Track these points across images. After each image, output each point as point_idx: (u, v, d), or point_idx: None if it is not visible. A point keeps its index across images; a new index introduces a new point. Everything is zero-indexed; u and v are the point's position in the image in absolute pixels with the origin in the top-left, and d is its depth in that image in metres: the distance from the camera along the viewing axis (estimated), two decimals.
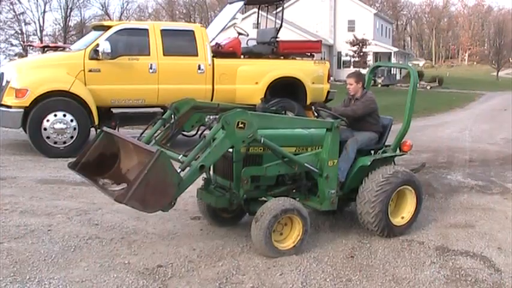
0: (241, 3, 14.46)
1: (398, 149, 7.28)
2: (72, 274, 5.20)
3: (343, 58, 58.44)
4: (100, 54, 11.32)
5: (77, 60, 11.53)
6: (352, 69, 52.43)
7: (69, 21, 64.06)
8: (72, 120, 11.22)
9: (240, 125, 5.79)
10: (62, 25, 64.25)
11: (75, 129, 11.25)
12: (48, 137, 11.10)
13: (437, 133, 18.25)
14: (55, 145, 11.16)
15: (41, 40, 58.85)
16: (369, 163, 6.80)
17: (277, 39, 13.68)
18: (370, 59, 55.41)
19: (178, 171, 5.47)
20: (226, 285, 5.20)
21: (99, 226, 6.59)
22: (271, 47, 13.53)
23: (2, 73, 12.02)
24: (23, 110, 11.03)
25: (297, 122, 6.91)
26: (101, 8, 65.89)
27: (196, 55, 12.23)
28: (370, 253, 6.19)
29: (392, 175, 6.64)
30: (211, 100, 12.32)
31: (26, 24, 65.30)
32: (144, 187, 5.18)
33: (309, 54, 14.12)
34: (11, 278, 5.04)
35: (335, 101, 14.17)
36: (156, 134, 6.52)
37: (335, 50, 59.13)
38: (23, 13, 64.35)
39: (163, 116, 6.72)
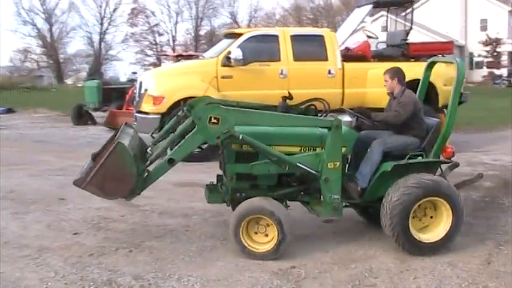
0: (370, 6, 14.35)
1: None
2: (209, 272, 5.39)
3: (475, 59, 56.32)
4: (232, 61, 11.65)
5: (210, 68, 11.92)
6: (485, 70, 50.36)
7: (199, 30, 66.21)
8: None
9: (213, 121, 5.71)
10: (193, 34, 66.39)
11: None
12: None
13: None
14: None
15: (173, 50, 61.19)
16: (390, 169, 6.03)
17: (407, 41, 13.45)
18: (505, 59, 53.05)
19: (147, 163, 5.82)
20: (359, 287, 5.19)
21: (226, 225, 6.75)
22: (401, 50, 13.32)
23: (141, 82, 12.66)
24: (160, 116, 11.53)
25: (285, 119, 6.20)
26: (230, 16, 67.41)
27: (326, 59, 12.25)
28: (509, 260, 5.88)
29: (413, 184, 5.86)
30: (342, 105, 12.30)
31: (159, 35, 68.36)
32: (102, 174, 5.57)
33: (440, 55, 13.74)
34: (153, 274, 5.31)
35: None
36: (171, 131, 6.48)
37: (466, 50, 57.12)
38: (156, 25, 67.45)
39: (178, 113, 6.61)
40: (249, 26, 59.89)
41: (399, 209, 5.80)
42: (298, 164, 5.94)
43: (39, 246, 6.02)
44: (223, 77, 11.83)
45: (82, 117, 19.67)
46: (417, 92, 6.93)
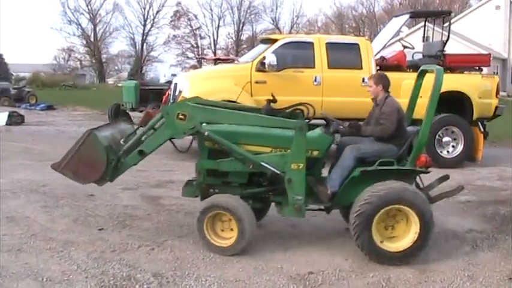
0: (407, 16, 14.30)
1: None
2: (227, 274, 5.46)
3: None
4: (266, 66, 11.73)
5: (244, 72, 12.02)
6: None
7: (241, 35, 66.54)
8: None
9: (181, 117, 6.08)
10: (235, 39, 66.72)
11: None
12: None
13: None
14: None
15: (214, 53, 61.55)
16: (357, 174, 6.05)
17: (443, 52, 13.35)
18: None
19: (120, 152, 6.22)
20: None
21: (260, 229, 6.78)
22: (437, 61, 13.19)
23: (176, 84, 12.81)
24: None
25: (251, 119, 6.42)
26: (272, 22, 67.57)
27: (361, 68, 12.24)
28: None
29: (375, 192, 5.81)
30: None
31: (201, 38, 68.95)
32: (76, 160, 6.24)
33: (477, 67, 13.62)
34: (172, 272, 5.41)
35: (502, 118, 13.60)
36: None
37: (509, 63, 56.11)
38: (199, 28, 68.01)
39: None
40: (290, 32, 59.98)
41: (361, 218, 5.80)
42: (261, 163, 6.11)
43: (64, 239, 6.18)
44: (257, 82, 11.91)
45: (119, 116, 19.92)
46: (409, 101, 6.91)
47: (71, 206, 7.57)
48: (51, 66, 64.79)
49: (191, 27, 68.89)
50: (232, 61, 16.02)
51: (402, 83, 12.35)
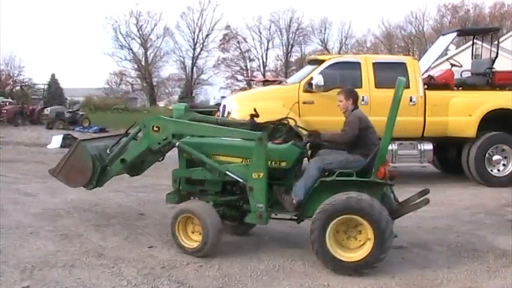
0: (454, 34, 14.20)
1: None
2: None
3: None
4: (313, 87, 11.81)
5: (292, 93, 12.11)
6: None
7: (290, 57, 66.75)
8: None
9: (155, 129, 6.83)
10: (283, 61, 66.98)
11: None
12: None
13: None
14: None
15: (263, 75, 61.87)
16: (317, 185, 6.20)
17: (492, 69, 13.20)
18: None
19: (106, 161, 7.20)
20: None
21: (303, 249, 6.82)
22: (486, 78, 13.07)
23: (224, 105, 13.00)
24: None
25: (216, 131, 6.96)
26: (321, 43, 67.65)
27: (408, 87, 12.19)
28: None
29: (329, 202, 5.94)
30: (423, 133, 12.23)
31: (250, 60, 69.42)
32: (67, 167, 7.38)
33: None
34: None
35: None
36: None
37: None
38: (248, 50, 68.52)
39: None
40: (339, 53, 59.90)
41: (316, 226, 5.96)
42: (226, 172, 6.56)
43: (115, 256, 6.36)
44: (304, 103, 11.99)
45: None
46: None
47: (122, 225, 7.78)
48: (103, 90, 66.19)
49: (240, 50, 69.58)
50: (280, 82, 16.12)
51: (450, 101, 12.32)
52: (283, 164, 6.54)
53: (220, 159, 6.72)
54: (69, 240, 7.02)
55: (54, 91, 58.82)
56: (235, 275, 5.90)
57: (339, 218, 5.94)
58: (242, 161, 6.63)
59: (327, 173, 6.40)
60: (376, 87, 12.10)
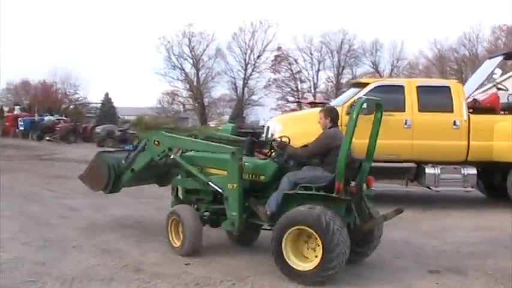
0: (500, 58, 14.07)
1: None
2: None
3: None
4: None
5: None
6: None
7: (340, 79, 66.48)
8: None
9: (156, 143, 7.98)
10: (334, 83, 66.85)
11: None
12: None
13: None
14: None
15: (314, 97, 61.83)
16: (282, 197, 6.67)
17: None
18: None
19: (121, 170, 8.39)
20: None
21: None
22: None
23: (268, 127, 13.17)
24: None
25: (200, 145, 7.94)
26: (372, 65, 67.25)
27: (452, 111, 12.15)
28: None
29: (286, 214, 6.44)
30: (466, 157, 12.13)
31: (301, 82, 69.29)
32: (90, 174, 8.72)
33: None
34: None
35: None
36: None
37: None
38: (299, 72, 68.49)
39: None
40: (390, 76, 59.55)
41: (273, 236, 6.48)
42: (208, 183, 7.38)
43: (152, 272, 6.54)
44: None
45: None
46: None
47: (162, 242, 7.93)
48: (155, 109, 67.15)
49: (291, 71, 69.57)
50: (323, 105, 16.21)
51: (495, 125, 12.19)
52: (262, 177, 7.13)
53: (210, 171, 7.54)
54: (109, 254, 7.27)
55: (107, 110, 60.23)
56: None
57: (292, 229, 6.36)
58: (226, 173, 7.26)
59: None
60: (419, 111, 12.09)
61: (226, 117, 67.76)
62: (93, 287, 5.93)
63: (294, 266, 6.35)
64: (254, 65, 69.14)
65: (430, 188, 12.55)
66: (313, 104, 25.52)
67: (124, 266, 6.75)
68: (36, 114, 41.65)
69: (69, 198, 11.97)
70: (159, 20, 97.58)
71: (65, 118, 43.22)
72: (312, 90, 68.86)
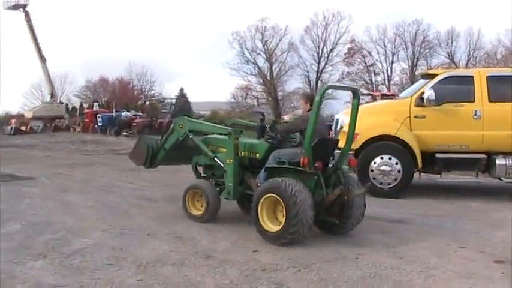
0: None
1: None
2: None
3: None
4: (425, 101, 11.88)
5: (404, 107, 12.25)
6: None
7: (415, 70, 65.34)
8: (397, 163, 11.91)
9: (180, 126, 9.57)
10: (409, 74, 65.81)
11: (399, 171, 11.91)
12: (374, 178, 11.95)
13: None
14: (380, 185, 11.94)
15: (388, 89, 61.11)
16: (265, 171, 8.13)
17: None
18: None
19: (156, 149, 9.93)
20: None
21: (402, 259, 7.04)
22: None
23: (337, 119, 13.31)
24: (353, 152, 12.05)
25: (207, 127, 9.95)
26: (447, 56, 65.76)
27: None
28: None
29: (263, 185, 7.84)
30: None
31: (375, 74, 68.55)
32: (135, 152, 10.35)
33: None
34: None
35: None
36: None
37: None
38: (372, 64, 67.78)
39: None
40: (467, 66, 58.20)
41: (253, 201, 7.76)
42: (214, 158, 8.92)
43: (222, 258, 6.87)
44: (416, 117, 12.08)
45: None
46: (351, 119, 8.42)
47: (232, 230, 8.33)
48: (229, 104, 67.90)
49: (365, 63, 68.87)
50: (392, 96, 16.21)
51: None
52: (257, 155, 8.55)
53: (220, 150, 8.96)
54: (182, 242, 7.65)
55: (182, 105, 61.27)
56: (332, 280, 6.18)
57: (266, 196, 7.62)
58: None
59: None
60: (489, 101, 11.96)
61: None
62: (165, 271, 6.29)
63: (265, 227, 7.65)
64: (327, 58, 68.87)
65: (501, 179, 12.43)
66: (384, 96, 25.42)
67: (195, 252, 7.11)
68: (113, 111, 42.86)
69: (146, 190, 12.53)
70: (232, 15, 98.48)
71: (141, 114, 44.35)
72: (386, 83, 68.03)
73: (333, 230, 8.14)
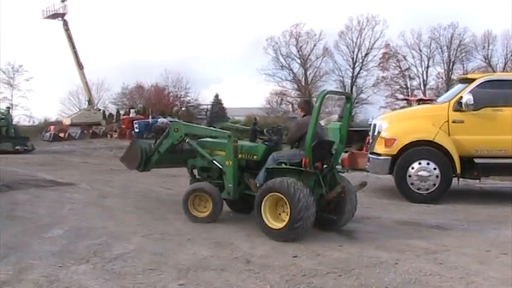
0: None
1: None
2: None
3: None
4: (463, 105, 11.80)
5: (442, 112, 12.18)
6: None
7: (451, 74, 64.68)
8: (435, 169, 11.84)
9: (175, 130, 9.86)
10: (445, 79, 65.16)
11: (437, 177, 11.83)
12: (412, 184, 11.90)
13: None
14: (418, 191, 11.89)
15: (424, 94, 60.59)
16: (265, 172, 8.56)
17: None
18: None
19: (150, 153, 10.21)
20: None
21: (442, 265, 6.99)
22: None
23: (375, 124, 13.29)
24: (390, 157, 12.04)
25: (203, 131, 10.43)
26: (484, 60, 64.91)
27: None
28: None
29: (266, 184, 8.20)
30: None
31: (410, 79, 68.00)
32: (127, 156, 10.60)
33: None
34: None
35: None
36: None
37: None
38: (408, 69, 67.25)
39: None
40: (504, 70, 57.40)
41: (256, 200, 8.17)
42: (213, 161, 9.29)
43: (262, 263, 6.91)
44: (454, 122, 12.01)
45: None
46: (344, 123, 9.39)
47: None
48: (264, 109, 67.99)
49: (400, 68, 68.38)
50: (430, 101, 16.12)
51: None
52: (255, 157, 9.04)
53: (217, 153, 9.32)
54: (221, 247, 7.71)
55: (217, 111, 61.56)
56: (371, 285, 6.19)
57: (269, 194, 8.03)
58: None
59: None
60: None
61: (335, 116, 67.49)
62: (206, 276, 6.35)
63: (269, 225, 8.04)
64: (362, 63, 68.61)
65: None
66: (421, 101, 25.25)
67: (235, 257, 7.16)
68: (150, 117, 43.21)
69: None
70: (266, 22, 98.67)
71: (177, 120, 44.61)
72: (422, 87, 67.41)
73: (326, 226, 8.66)
